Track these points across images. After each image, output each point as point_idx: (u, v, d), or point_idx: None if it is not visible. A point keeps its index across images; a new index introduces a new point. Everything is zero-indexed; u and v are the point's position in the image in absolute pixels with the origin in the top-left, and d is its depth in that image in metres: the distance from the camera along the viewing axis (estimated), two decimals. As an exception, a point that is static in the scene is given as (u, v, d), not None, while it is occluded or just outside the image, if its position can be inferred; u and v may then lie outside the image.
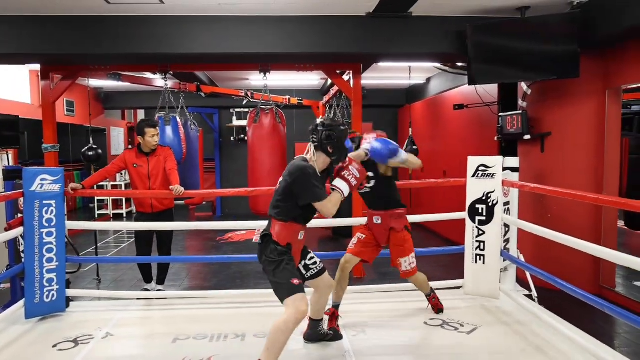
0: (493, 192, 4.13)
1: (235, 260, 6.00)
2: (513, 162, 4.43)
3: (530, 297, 4.24)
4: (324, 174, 3.14)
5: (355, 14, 5.01)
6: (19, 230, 3.93)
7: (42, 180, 3.97)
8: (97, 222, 7.63)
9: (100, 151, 6.39)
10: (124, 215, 11.18)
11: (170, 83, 6.51)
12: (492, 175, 4.13)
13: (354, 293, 4.65)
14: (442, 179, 5.90)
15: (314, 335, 3.55)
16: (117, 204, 11.25)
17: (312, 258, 3.31)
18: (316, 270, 3.29)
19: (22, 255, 4.02)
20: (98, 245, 6.47)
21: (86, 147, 6.30)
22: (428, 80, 9.28)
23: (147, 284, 5.20)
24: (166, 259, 5.12)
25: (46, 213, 3.99)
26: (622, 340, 4.13)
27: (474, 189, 4.22)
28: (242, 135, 11.33)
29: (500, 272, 4.24)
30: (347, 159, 3.13)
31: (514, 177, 4.37)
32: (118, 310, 4.42)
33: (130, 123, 12.65)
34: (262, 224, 4.74)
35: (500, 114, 5.57)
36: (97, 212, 10.90)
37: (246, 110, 10.92)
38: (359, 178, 3.09)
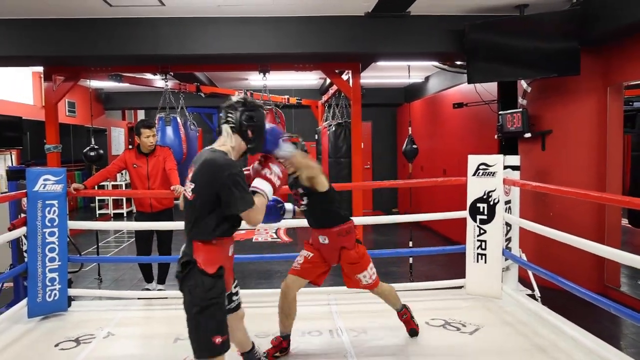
0: (494, 190, 4.09)
1: (236, 260, 5.95)
2: (514, 160, 4.38)
3: (533, 296, 4.19)
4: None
5: (354, 14, 4.97)
6: (22, 230, 3.91)
7: (45, 180, 3.94)
8: (98, 222, 7.58)
9: (101, 151, 6.34)
10: (125, 214, 11.12)
11: (170, 84, 6.47)
12: (493, 174, 4.09)
13: (354, 293, 4.61)
14: (442, 177, 5.86)
15: None
16: (117, 204, 11.20)
17: (236, 286, 2.73)
18: (235, 305, 2.71)
19: (25, 254, 3.99)
20: (99, 244, 6.42)
21: (87, 148, 6.25)
22: (427, 78, 9.24)
23: (148, 283, 5.16)
24: (166, 258, 5.07)
25: (49, 213, 3.96)
26: (629, 340, 4.08)
27: (475, 188, 4.18)
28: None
29: (502, 271, 4.20)
30: (265, 157, 2.56)
31: (515, 175, 4.33)
32: (119, 310, 4.38)
33: (131, 123, 12.61)
34: (263, 224, 4.75)
35: (500, 112, 5.53)
36: (97, 212, 10.84)
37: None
38: (282, 178, 2.52)
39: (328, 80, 8.27)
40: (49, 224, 3.97)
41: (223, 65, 6.07)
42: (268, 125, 2.52)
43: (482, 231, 4.15)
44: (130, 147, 5.05)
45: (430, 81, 9.09)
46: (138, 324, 4.15)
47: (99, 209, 11.07)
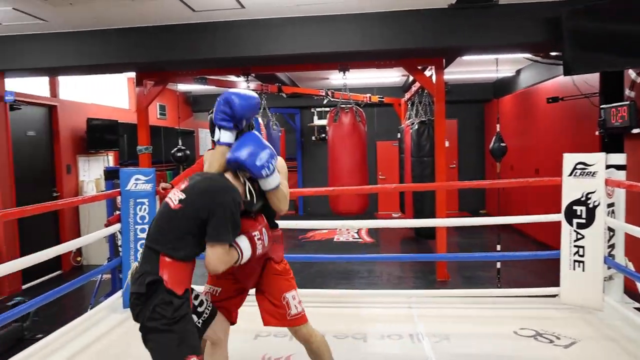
0: (594, 192, 3.77)
1: (316, 259, 6.01)
2: (618, 158, 4.01)
3: (641, 310, 3.82)
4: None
5: (436, 7, 4.80)
6: (117, 226, 4.19)
7: (136, 180, 4.18)
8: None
9: (188, 152, 6.65)
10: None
11: (252, 85, 6.63)
12: (592, 174, 3.77)
13: (436, 297, 4.47)
14: (534, 178, 5.52)
15: None
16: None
17: (196, 297, 2.39)
18: (209, 312, 2.43)
19: (120, 249, 4.28)
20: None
21: (175, 149, 6.58)
22: (518, 72, 8.77)
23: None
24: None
25: (140, 210, 4.20)
26: None
27: (571, 189, 3.88)
28: (323, 135, 11.35)
29: (604, 280, 3.85)
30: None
31: (620, 175, 3.96)
32: (203, 306, 4.55)
33: (218, 125, 13.08)
34: (344, 224, 4.75)
35: (602, 106, 5.09)
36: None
37: (327, 109, 10.94)
38: (265, 248, 2.30)
39: (411, 77, 8.11)
40: (140, 221, 4.21)
41: (303, 65, 6.13)
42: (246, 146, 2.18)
43: (579, 236, 3.85)
44: (211, 147, 5.21)
45: (522, 75, 8.62)
46: (220, 320, 4.29)
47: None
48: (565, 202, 3.91)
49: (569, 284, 3.93)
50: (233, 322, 2.64)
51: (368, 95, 8.44)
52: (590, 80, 5.69)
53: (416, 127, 6.98)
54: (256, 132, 2.31)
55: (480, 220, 4.79)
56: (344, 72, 5.95)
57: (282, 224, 5.04)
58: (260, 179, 2.23)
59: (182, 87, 9.48)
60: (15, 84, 5.96)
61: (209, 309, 2.44)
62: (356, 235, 8.39)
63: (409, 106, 8.52)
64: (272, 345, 3.59)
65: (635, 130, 4.74)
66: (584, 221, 3.81)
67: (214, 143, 2.37)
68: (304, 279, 5.83)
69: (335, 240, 8.14)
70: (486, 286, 5.07)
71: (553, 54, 5.88)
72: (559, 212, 3.96)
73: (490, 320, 3.91)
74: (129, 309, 2.34)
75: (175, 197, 2.15)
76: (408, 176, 7.50)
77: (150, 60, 5.27)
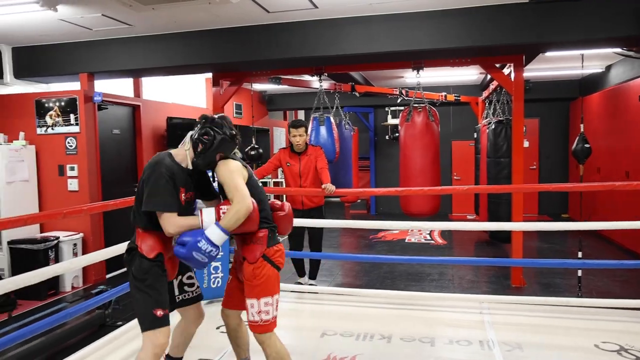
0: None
1: (386, 260, 5.99)
2: None
3: None
4: (194, 176, 2.62)
5: (516, 1, 4.63)
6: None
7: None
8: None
9: (261, 150, 6.84)
10: (285, 211, 11.84)
11: (325, 84, 6.70)
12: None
13: (510, 304, 4.33)
14: (624, 181, 5.18)
15: None
16: (278, 200, 11.95)
17: (191, 277, 2.82)
18: (191, 296, 2.82)
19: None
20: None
21: (248, 147, 6.79)
22: (608, 68, 8.25)
23: (300, 277, 5.44)
24: (317, 255, 5.29)
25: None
26: None
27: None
28: (397, 134, 11.27)
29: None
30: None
31: None
32: (273, 301, 4.68)
33: (291, 123, 13.36)
34: (416, 225, 4.72)
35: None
36: (260, 207, 11.68)
37: (401, 108, 10.85)
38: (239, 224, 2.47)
39: (489, 75, 7.86)
40: (214, 217, 4.41)
41: (376, 64, 6.11)
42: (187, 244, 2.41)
43: (670, 245, 3.58)
44: (284, 146, 5.38)
45: (612, 71, 8.10)
46: (289, 315, 4.40)
47: (261, 204, 11.94)
48: (655, 208, 3.65)
49: (659, 297, 3.68)
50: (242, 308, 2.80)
51: (443, 93, 8.28)
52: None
53: (493, 126, 6.77)
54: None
55: (561, 225, 4.57)
56: (418, 71, 5.89)
57: (353, 223, 5.11)
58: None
59: (257, 86, 9.76)
60: (103, 86, 6.42)
61: (195, 294, 2.82)
62: (428, 237, 8.30)
63: (487, 105, 8.28)
64: (338, 344, 3.64)
65: None
66: (677, 229, 3.55)
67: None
68: (373, 279, 5.84)
69: (406, 241, 8.09)
70: (565, 295, 4.84)
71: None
72: (648, 218, 3.71)
73: (568, 332, 3.75)
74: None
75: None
76: (484, 177, 7.30)
77: (227, 61, 5.48)
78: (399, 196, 6.07)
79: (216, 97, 6.42)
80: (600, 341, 3.50)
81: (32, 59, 5.91)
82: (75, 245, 5.78)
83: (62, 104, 5.90)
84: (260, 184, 2.78)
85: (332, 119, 6.26)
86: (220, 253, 2.46)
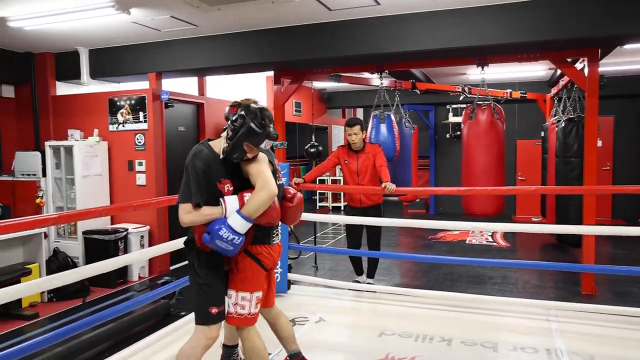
0: None
1: (446, 261, 5.88)
2: None
3: None
4: (229, 166, 2.54)
5: (592, -8, 4.40)
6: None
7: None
8: (315, 214, 8.26)
9: (320, 148, 6.89)
10: (342, 208, 11.88)
11: (385, 82, 6.66)
12: None
13: (580, 312, 4.14)
14: None
15: None
16: (336, 198, 12.00)
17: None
18: None
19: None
20: (317, 235, 6.98)
21: (308, 145, 6.85)
22: (692, 62, 7.70)
23: (358, 276, 5.43)
24: (375, 254, 5.26)
25: (273, 204, 4.47)
26: None
27: None
28: (458, 132, 11.04)
29: None
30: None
31: None
32: (331, 298, 4.73)
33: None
34: (477, 225, 4.59)
35: None
36: (318, 204, 11.80)
37: (463, 106, 10.61)
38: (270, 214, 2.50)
39: (559, 71, 7.54)
40: (274, 214, 4.48)
41: (438, 61, 6.00)
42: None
43: None
44: (343, 144, 5.39)
45: (697, 65, 7.55)
46: (347, 313, 4.42)
47: (320, 201, 12.04)
48: None
49: None
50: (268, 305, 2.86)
51: (509, 90, 8.02)
52: None
53: (563, 124, 6.48)
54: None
55: (638, 230, 4.31)
56: (482, 67, 5.73)
57: (412, 223, 5.05)
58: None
59: (317, 84, 9.82)
60: (169, 85, 6.66)
61: None
62: (490, 239, 8.10)
63: (556, 102, 7.94)
64: (397, 344, 3.62)
65: None
66: None
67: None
68: (432, 280, 5.75)
69: (467, 242, 7.93)
70: (640, 304, 4.57)
71: None
72: None
73: (644, 344, 3.54)
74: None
75: None
76: (551, 178, 7.02)
77: (288, 59, 5.56)
78: (459, 196, 5.94)
79: (277, 95, 6.52)
80: (680, 355, 3.28)
81: (106, 60, 6.26)
82: (142, 237, 6.07)
83: (132, 102, 6.19)
84: (280, 184, 2.72)
85: (392, 117, 6.22)
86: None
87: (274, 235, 2.73)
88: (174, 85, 6.83)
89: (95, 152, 6.11)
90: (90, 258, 5.68)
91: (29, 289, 2.89)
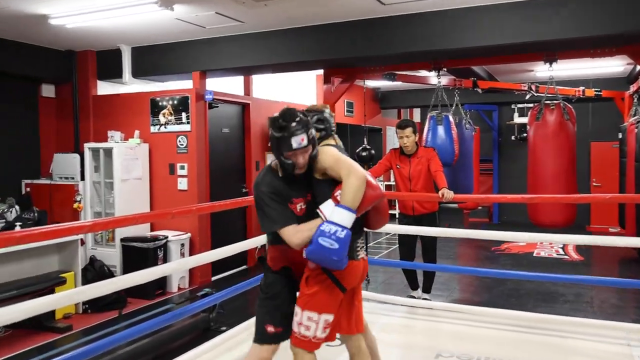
0: None
1: (511, 276, 5.67)
2: None
3: None
4: (296, 183, 2.51)
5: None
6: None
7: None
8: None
9: (373, 152, 6.83)
10: (396, 216, 11.73)
11: (443, 80, 6.54)
12: None
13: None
14: None
15: None
16: (390, 204, 11.84)
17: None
18: None
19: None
20: (369, 245, 6.91)
21: (360, 148, 6.81)
22: None
23: (413, 290, 5.32)
24: (431, 266, 5.15)
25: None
26: None
27: None
28: (524, 134, 10.73)
29: None
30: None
31: None
32: (383, 314, 4.65)
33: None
34: (546, 237, 4.40)
35: None
36: (370, 212, 11.67)
37: (530, 105, 10.30)
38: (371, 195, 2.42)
39: (639, 66, 7.17)
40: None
41: (502, 57, 5.84)
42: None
43: None
44: (395, 147, 5.31)
45: None
46: (400, 331, 4.32)
47: (372, 209, 11.93)
48: None
49: None
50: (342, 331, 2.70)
51: (581, 88, 7.71)
52: None
53: (645, 125, 6.15)
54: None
55: None
56: (551, 64, 5.53)
57: (473, 233, 4.89)
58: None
59: (370, 83, 9.76)
60: (214, 84, 6.77)
61: None
62: (561, 251, 7.85)
63: (635, 100, 7.57)
64: (455, 367, 3.49)
65: None
66: None
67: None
68: (496, 297, 5.57)
69: (534, 254, 7.71)
70: None
71: None
72: None
73: None
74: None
75: None
76: (631, 184, 6.73)
77: (339, 56, 5.54)
78: (526, 204, 5.73)
79: (327, 95, 6.51)
80: None
81: (149, 58, 6.42)
82: (182, 245, 6.15)
83: (175, 102, 6.32)
84: None
85: (450, 118, 6.10)
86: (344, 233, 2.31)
87: (358, 248, 2.55)
88: (218, 85, 6.95)
89: (135, 154, 6.24)
90: (128, 267, 5.75)
91: (62, 300, 2.91)
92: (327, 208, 2.38)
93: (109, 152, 6.08)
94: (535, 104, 5.67)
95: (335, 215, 2.31)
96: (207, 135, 6.42)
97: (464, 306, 4.76)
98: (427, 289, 5.28)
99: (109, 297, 5.03)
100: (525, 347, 3.85)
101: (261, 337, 2.58)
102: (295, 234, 2.40)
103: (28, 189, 6.29)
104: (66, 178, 6.19)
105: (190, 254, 6.13)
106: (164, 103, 6.39)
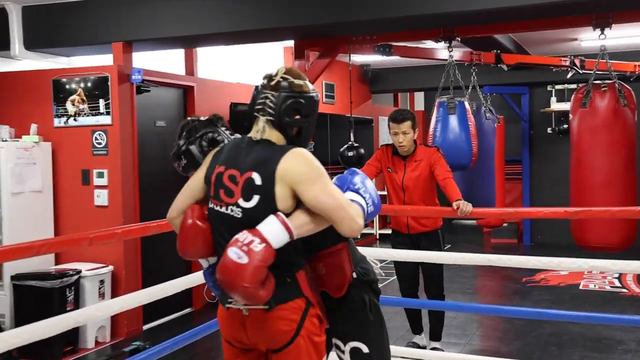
0: None
1: (551, 317, 5.74)
2: None
3: None
4: None
5: None
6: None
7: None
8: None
9: (362, 151, 6.80)
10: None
11: (457, 53, 6.60)
12: None
13: None
14: None
15: None
16: (384, 221, 11.90)
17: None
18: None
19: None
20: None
21: (344, 147, 6.80)
22: None
23: (416, 335, 5.34)
24: (438, 304, 5.18)
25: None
26: None
27: None
28: (566, 125, 10.88)
29: None
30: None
31: None
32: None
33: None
34: (596, 264, 4.42)
35: None
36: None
37: (572, 87, 10.47)
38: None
39: None
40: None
41: (535, 22, 5.91)
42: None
43: None
44: (387, 143, 5.30)
45: None
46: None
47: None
48: None
49: None
50: None
51: (641, 63, 7.90)
52: None
53: None
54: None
55: None
56: (602, 30, 5.63)
57: (496, 259, 4.92)
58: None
59: (358, 58, 9.81)
60: (144, 60, 6.71)
61: None
62: (617, 283, 7.99)
63: None
64: None
65: None
66: None
67: None
68: (530, 344, 5.67)
69: (581, 287, 7.85)
70: None
71: None
72: None
73: None
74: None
75: None
76: None
77: (314, 22, 5.55)
78: (568, 220, 5.81)
79: (300, 74, 6.51)
80: None
81: (49, 22, 6.24)
82: (102, 282, 6.03)
83: (89, 85, 6.24)
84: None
85: (466, 105, 6.15)
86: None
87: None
88: (150, 61, 6.89)
89: (32, 157, 6.07)
90: (22, 315, 5.57)
91: None
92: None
93: (-8, 155, 5.91)
94: (581, 85, 5.76)
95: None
96: (135, 130, 6.37)
97: (488, 358, 4.80)
98: (436, 336, 5.30)
99: (-6, 359, 4.92)
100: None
101: None
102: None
103: None
104: None
105: (113, 295, 6.01)
106: (73, 86, 6.28)
